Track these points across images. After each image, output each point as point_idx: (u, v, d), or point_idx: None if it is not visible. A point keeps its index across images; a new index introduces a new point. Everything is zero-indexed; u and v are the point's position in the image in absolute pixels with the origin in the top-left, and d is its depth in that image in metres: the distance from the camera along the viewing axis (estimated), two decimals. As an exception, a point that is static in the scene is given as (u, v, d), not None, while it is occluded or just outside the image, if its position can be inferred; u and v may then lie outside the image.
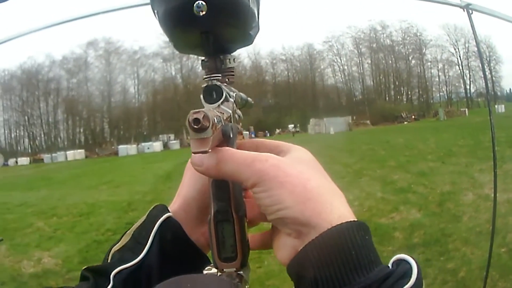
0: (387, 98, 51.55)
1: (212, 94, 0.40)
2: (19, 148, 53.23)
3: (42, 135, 53.19)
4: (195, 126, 0.32)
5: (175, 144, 41.70)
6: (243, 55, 52.01)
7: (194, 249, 0.44)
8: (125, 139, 49.76)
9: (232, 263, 0.38)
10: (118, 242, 0.46)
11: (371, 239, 0.34)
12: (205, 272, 0.39)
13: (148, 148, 38.98)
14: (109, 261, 0.45)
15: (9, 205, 10.52)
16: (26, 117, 53.21)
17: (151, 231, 0.43)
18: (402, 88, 52.72)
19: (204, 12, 0.36)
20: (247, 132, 44.98)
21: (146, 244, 0.42)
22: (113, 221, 7.72)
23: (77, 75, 52.52)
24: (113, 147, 44.92)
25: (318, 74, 54.45)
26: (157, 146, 40.31)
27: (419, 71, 51.62)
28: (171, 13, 0.38)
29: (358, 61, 52.59)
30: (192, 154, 0.36)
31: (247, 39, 0.44)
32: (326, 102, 53.22)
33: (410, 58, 51.57)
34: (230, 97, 0.42)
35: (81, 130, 53.72)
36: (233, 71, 0.45)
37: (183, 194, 0.46)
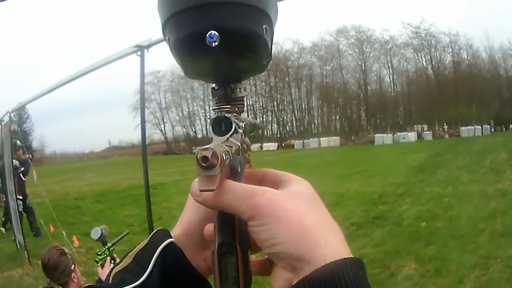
0: None
1: (221, 126, 0.39)
2: (265, 133, 54.34)
3: (294, 121, 54.77)
4: (204, 164, 0.31)
5: (428, 135, 40.30)
6: (480, 48, 49.25)
7: (196, 274, 0.44)
8: (381, 128, 48.73)
9: None
10: (120, 263, 0.46)
11: (365, 276, 0.34)
12: None
13: (404, 138, 38.82)
14: (110, 281, 0.44)
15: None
16: (274, 103, 54.95)
17: (153, 255, 0.43)
18: None
19: (217, 43, 0.35)
20: (488, 126, 42.06)
21: (148, 267, 0.42)
22: (360, 214, 7.60)
23: (330, 63, 53.09)
24: (369, 135, 45.24)
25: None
26: (412, 136, 39.60)
27: None
28: (182, 42, 0.37)
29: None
30: (193, 184, 0.36)
31: (259, 69, 0.43)
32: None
33: None
34: (239, 128, 0.40)
35: (337, 117, 54.17)
36: (243, 101, 0.44)
37: (186, 220, 0.46)
